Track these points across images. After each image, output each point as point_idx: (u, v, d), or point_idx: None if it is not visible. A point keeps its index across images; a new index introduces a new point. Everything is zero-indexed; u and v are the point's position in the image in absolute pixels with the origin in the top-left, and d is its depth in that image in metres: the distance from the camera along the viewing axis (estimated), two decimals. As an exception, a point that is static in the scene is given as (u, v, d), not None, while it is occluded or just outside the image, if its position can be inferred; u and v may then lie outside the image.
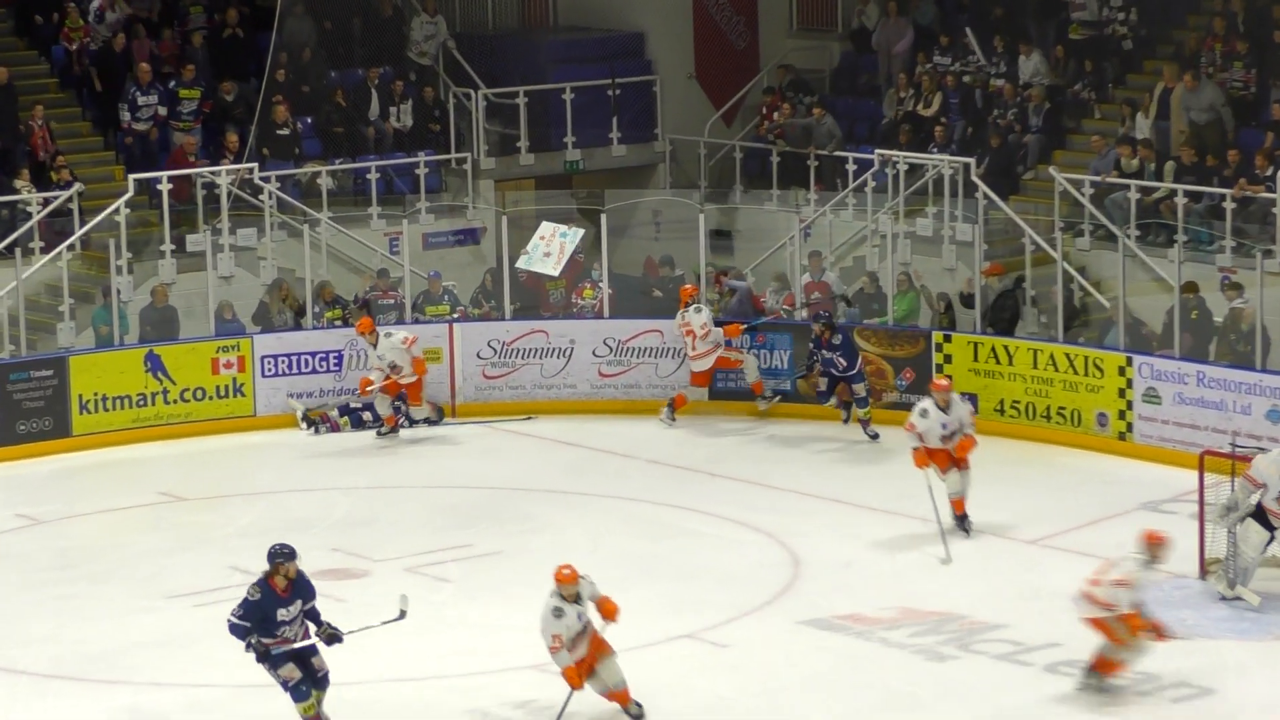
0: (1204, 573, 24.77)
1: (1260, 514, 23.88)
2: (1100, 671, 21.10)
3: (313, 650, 18.91)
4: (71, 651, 23.44)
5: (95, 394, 32.15)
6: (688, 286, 33.31)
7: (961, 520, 25.57)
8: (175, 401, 32.71)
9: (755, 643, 23.44)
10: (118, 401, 32.43)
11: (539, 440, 33.04)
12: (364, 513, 29.35)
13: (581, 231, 33.84)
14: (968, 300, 32.82)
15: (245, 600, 18.65)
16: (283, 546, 18.78)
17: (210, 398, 32.94)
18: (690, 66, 40.29)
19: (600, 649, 19.26)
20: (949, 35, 38.47)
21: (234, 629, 18.76)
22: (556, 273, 34.61)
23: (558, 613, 18.82)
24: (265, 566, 19.87)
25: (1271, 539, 23.99)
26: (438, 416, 33.65)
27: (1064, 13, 37.76)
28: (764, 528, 27.68)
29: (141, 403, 32.51)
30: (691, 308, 32.32)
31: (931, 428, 24.40)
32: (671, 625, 23.69)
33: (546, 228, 34.56)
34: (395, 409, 32.62)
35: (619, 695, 19.43)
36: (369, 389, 31.92)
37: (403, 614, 19.50)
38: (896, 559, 26.46)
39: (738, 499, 29.25)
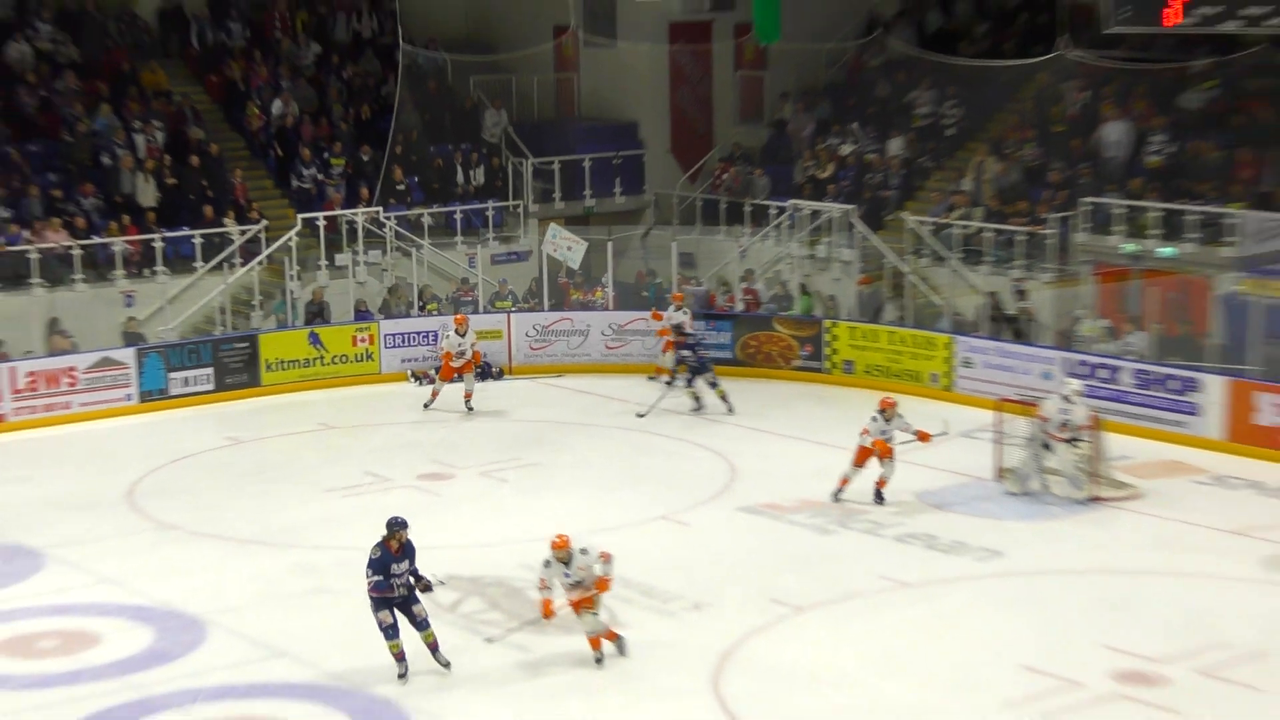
0: (999, 477, 25.18)
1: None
2: (878, 487, 24.09)
3: (414, 599, 17.92)
4: (262, 525, 23.94)
5: (276, 358, 32.53)
6: (678, 294, 33.19)
7: (878, 494, 24.22)
8: (328, 364, 33.00)
9: (706, 523, 24.10)
10: (290, 364, 32.79)
11: (566, 390, 33.03)
12: (452, 438, 29.23)
13: (584, 244, 34.22)
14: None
15: (371, 559, 17.75)
16: (398, 519, 17.93)
17: (350, 361, 33.24)
18: (667, 144, 39.97)
19: (587, 603, 18.01)
20: (839, 124, 38.42)
21: (372, 585, 17.71)
22: (576, 265, 34.71)
23: (546, 563, 17.89)
24: (387, 499, 20.64)
25: (1048, 451, 24.61)
26: (499, 375, 33.27)
27: (913, 109, 37.73)
28: (714, 448, 28.08)
29: (306, 364, 32.84)
30: (672, 308, 32.07)
31: (874, 431, 23.70)
32: (650, 510, 24.39)
33: (554, 229, 34.59)
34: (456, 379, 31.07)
35: (592, 640, 18.07)
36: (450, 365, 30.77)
37: (438, 584, 18.38)
38: (800, 467, 26.55)
39: (698, 430, 29.52)
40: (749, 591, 20.81)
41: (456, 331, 30.78)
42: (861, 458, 24.18)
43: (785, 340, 32.97)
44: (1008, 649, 18.67)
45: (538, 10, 39.02)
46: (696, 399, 30.73)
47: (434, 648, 17.95)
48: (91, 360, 30.74)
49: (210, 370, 31.94)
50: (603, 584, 17.92)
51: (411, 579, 17.73)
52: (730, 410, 30.48)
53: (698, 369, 30.39)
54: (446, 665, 18.00)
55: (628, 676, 18.27)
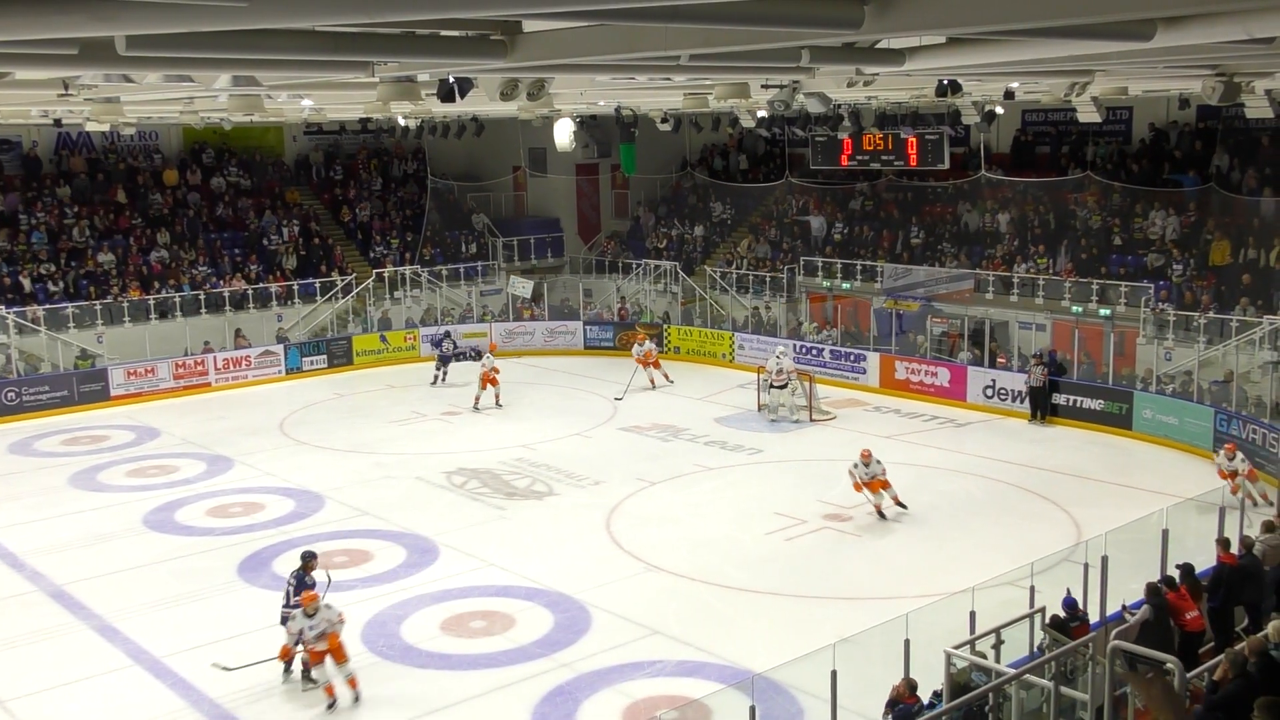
0: (760, 409, 25.11)
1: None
2: (879, 510, 18.00)
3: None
4: (355, 441, 23.51)
5: (361, 349, 31.67)
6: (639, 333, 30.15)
7: (882, 514, 18.11)
8: (390, 352, 32.14)
9: (601, 436, 23.74)
10: (369, 352, 31.74)
11: (523, 366, 31.85)
12: (460, 393, 27.88)
13: (532, 283, 34.13)
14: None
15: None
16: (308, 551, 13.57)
17: (403, 350, 32.18)
18: (575, 229, 39.70)
19: (332, 654, 12.45)
20: (668, 220, 38.75)
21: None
22: (528, 296, 33.95)
23: (291, 618, 12.59)
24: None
25: (779, 391, 24.82)
26: (479, 357, 32.47)
27: (710, 209, 38.14)
28: (604, 395, 27.27)
29: (378, 353, 31.96)
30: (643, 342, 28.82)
31: (861, 473, 17.79)
32: (570, 429, 23.93)
33: (514, 278, 34.49)
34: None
35: (328, 688, 12.31)
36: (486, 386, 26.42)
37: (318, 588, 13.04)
38: (652, 405, 26.36)
39: (599, 386, 28.43)
40: (624, 474, 20.80)
41: (490, 354, 27.51)
42: (865, 489, 18.29)
43: (642, 335, 32.46)
44: (765, 501, 18.95)
45: (504, 156, 38.59)
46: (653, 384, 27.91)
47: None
48: (258, 351, 30.21)
49: (324, 356, 31.37)
50: (334, 638, 12.53)
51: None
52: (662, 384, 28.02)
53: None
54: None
55: (550, 528, 18.15)
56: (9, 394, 26.44)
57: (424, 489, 20.14)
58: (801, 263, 32.18)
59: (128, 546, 17.54)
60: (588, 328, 33.19)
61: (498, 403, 26.26)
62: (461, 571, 16.11)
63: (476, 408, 25.95)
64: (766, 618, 14.33)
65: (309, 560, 13.47)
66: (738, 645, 13.29)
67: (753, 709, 9.25)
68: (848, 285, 30.97)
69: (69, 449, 23.71)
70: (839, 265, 31.40)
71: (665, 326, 32.53)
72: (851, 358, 28.09)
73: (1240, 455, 18.09)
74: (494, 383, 26.31)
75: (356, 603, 14.88)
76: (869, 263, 30.93)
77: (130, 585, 15.86)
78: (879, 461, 18.08)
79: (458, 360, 30.04)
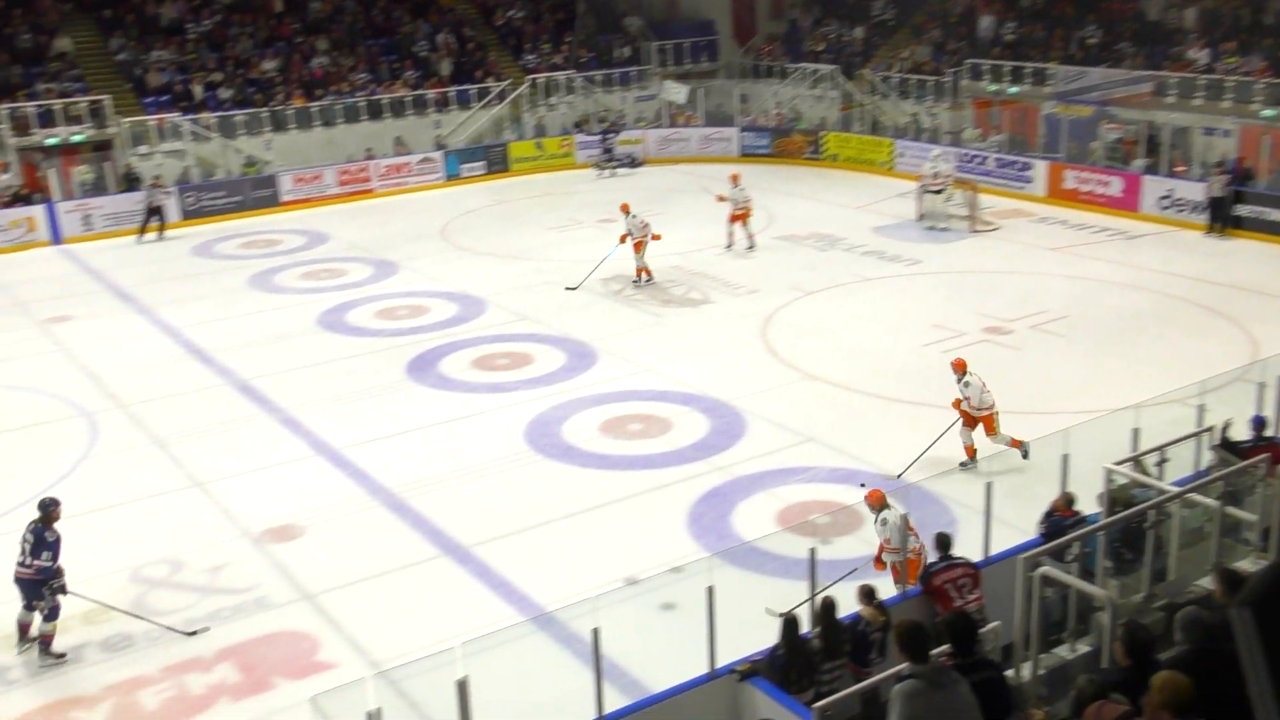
0: (919, 218, 24.51)
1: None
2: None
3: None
4: (513, 246, 23.59)
5: (518, 155, 31.83)
6: (735, 174, 23.01)
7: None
8: (546, 159, 32.00)
9: (763, 245, 23.26)
10: (525, 159, 31.76)
11: (676, 173, 31.27)
12: (613, 199, 28.69)
13: (686, 88, 33.46)
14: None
15: (50, 540, 9.98)
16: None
17: (558, 157, 32.23)
18: (731, 33, 38.62)
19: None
20: (827, 20, 37.31)
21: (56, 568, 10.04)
22: (682, 101, 33.26)
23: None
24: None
25: (940, 196, 24.06)
26: (637, 164, 31.99)
27: (869, 10, 36.59)
28: (758, 201, 27.24)
29: (534, 159, 31.93)
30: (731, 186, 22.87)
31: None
32: (724, 238, 23.56)
33: (668, 84, 33.73)
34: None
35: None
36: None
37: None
38: (806, 213, 25.82)
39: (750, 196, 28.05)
40: (780, 283, 20.72)
41: (734, 184, 22.78)
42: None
43: (799, 142, 32.04)
44: (923, 312, 18.72)
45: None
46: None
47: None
48: (418, 158, 30.60)
49: (483, 162, 31.67)
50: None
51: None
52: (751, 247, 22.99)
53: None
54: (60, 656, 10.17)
55: (706, 335, 18.26)
56: (189, 199, 27.59)
57: (581, 295, 20.32)
58: (967, 65, 30.77)
59: (304, 345, 18.37)
60: (743, 134, 32.56)
61: (750, 243, 22.57)
62: (619, 376, 16.42)
63: (730, 245, 22.71)
64: (921, 428, 14.28)
65: (50, 509, 10.22)
66: (891, 454, 13.32)
67: (905, 516, 9.35)
68: (1016, 89, 29.65)
69: (246, 252, 24.76)
70: (1007, 67, 29.95)
71: (822, 134, 31.70)
72: (1017, 166, 27.03)
73: None
74: (744, 219, 22.50)
75: (518, 404, 15.42)
76: (1039, 65, 29.43)
77: (308, 381, 16.69)
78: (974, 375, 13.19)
79: (618, 165, 30.10)
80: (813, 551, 8.47)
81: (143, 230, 25.90)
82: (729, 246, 22.68)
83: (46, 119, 27.24)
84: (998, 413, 12.91)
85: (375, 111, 31.35)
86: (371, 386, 16.37)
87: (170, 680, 9.77)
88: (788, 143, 32.08)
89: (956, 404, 12.96)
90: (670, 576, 10.26)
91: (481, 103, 32.83)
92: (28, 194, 26.27)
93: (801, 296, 19.88)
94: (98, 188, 27.06)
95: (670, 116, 34.03)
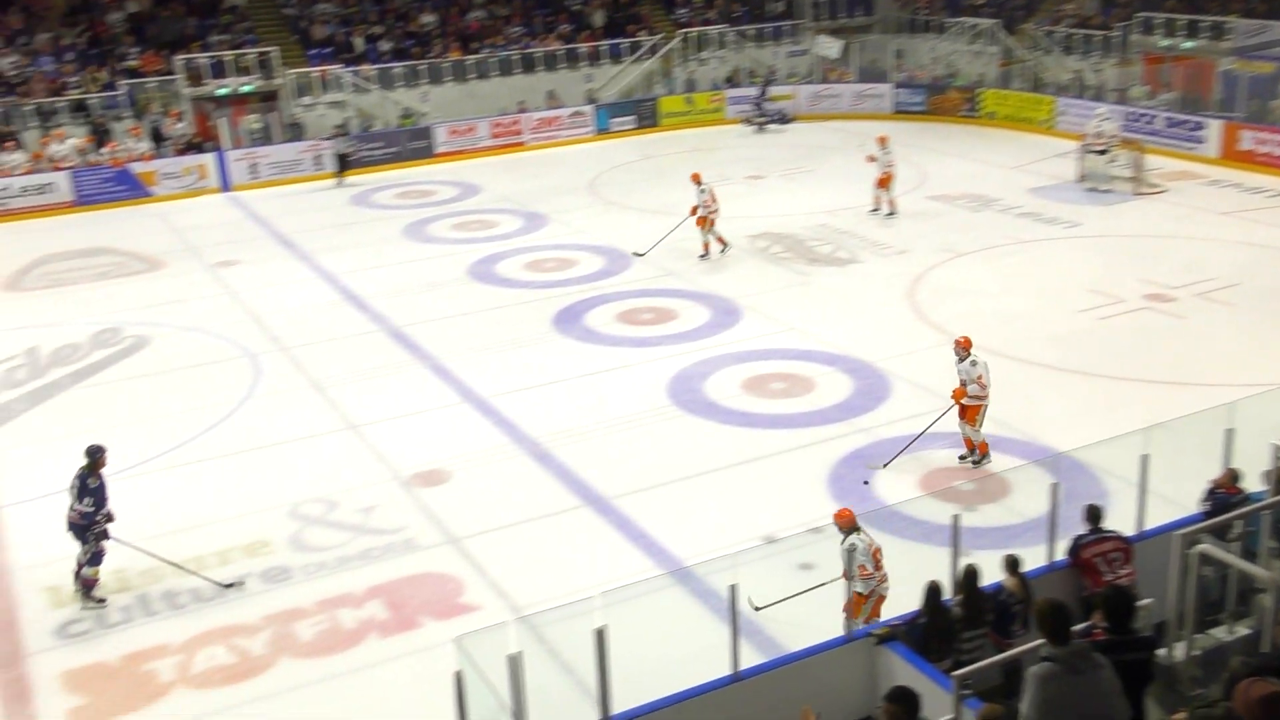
0: (1080, 179, 23.66)
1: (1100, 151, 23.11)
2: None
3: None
4: (659, 201, 23.27)
5: (667, 110, 31.66)
6: (883, 136, 21.80)
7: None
8: (695, 114, 32.04)
9: (903, 205, 22.58)
10: (675, 114, 31.64)
11: (827, 131, 30.73)
12: (760, 153, 28.02)
13: (840, 43, 32.82)
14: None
15: (93, 487, 10.20)
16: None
17: (708, 113, 32.04)
18: None
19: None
20: None
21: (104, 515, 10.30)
22: (836, 57, 32.83)
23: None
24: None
25: (1104, 157, 23.11)
26: (789, 120, 32.02)
27: None
28: (904, 157, 26.70)
29: (684, 114, 31.78)
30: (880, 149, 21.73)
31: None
32: (899, 192, 22.49)
33: (822, 38, 33.23)
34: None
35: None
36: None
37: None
38: (957, 171, 25.09)
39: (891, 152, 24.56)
40: (930, 244, 20.32)
41: (881, 147, 21.66)
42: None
43: (955, 100, 31.19)
44: (1080, 277, 18.21)
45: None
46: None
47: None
48: (569, 111, 30.79)
49: (633, 117, 31.63)
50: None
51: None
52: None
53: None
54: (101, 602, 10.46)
55: (853, 295, 18.01)
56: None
57: (728, 251, 20.21)
58: (1138, 19, 29.37)
59: (455, 294, 18.75)
60: (898, 91, 31.82)
61: (891, 209, 21.70)
62: (763, 334, 16.34)
63: (876, 209, 21.85)
64: (1073, 396, 13.88)
65: (96, 456, 10.41)
66: (1041, 422, 12.97)
67: (1055, 485, 9.04)
68: (1191, 44, 28.18)
69: (401, 202, 25.36)
70: (1182, 21, 28.49)
71: (979, 91, 30.74)
72: (1189, 125, 25.81)
73: None
74: (886, 183, 21.62)
75: (662, 359, 15.48)
76: (1218, 18, 27.88)
77: (458, 330, 17.06)
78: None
79: (768, 121, 29.73)
80: (956, 518, 8.31)
81: (340, 174, 26.87)
82: (874, 210, 22.07)
83: (218, 70, 28.22)
84: (986, 406, 12.03)
85: (528, 65, 31.61)
86: (519, 337, 16.61)
87: (324, 614, 10.19)
88: (943, 100, 31.22)
89: (959, 395, 11.94)
90: (809, 537, 10.24)
91: (633, 57, 32.74)
92: (200, 142, 27.33)
93: (952, 258, 19.43)
94: (264, 137, 27.99)
95: (823, 72, 33.44)
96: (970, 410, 12.06)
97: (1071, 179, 23.86)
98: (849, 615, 8.57)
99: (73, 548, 10.52)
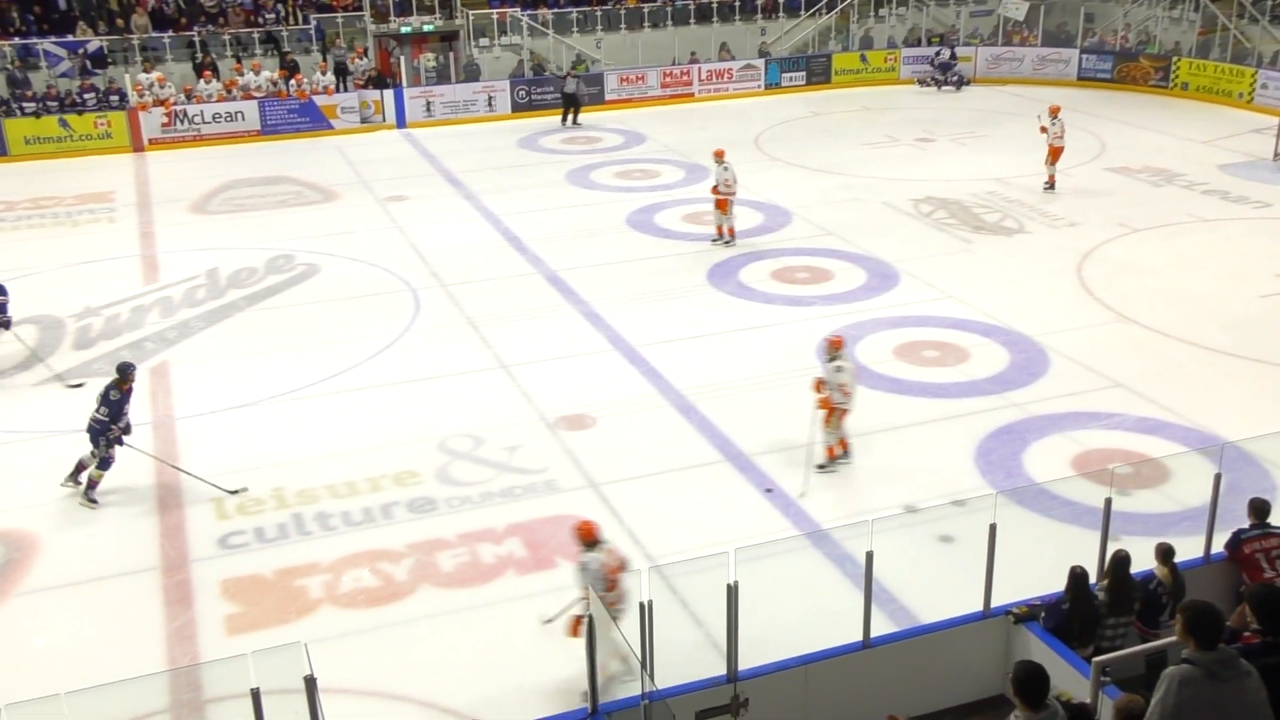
0: (1275, 158, 22.48)
1: None
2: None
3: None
4: (825, 161, 23.14)
5: (842, 68, 31.09)
6: (1056, 105, 20.93)
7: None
8: (869, 72, 31.27)
9: (1077, 180, 21.93)
10: (849, 71, 30.94)
11: (1006, 95, 29.91)
12: (934, 116, 27.25)
13: (1028, 4, 31.49)
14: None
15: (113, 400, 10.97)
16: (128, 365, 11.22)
17: (882, 71, 31.29)
18: None
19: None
20: None
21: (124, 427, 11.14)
22: (1021, 18, 31.44)
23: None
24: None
25: None
26: (967, 83, 31.07)
27: None
28: (1083, 126, 25.70)
29: (857, 73, 31.12)
30: (1050, 119, 20.84)
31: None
32: (1076, 162, 21.83)
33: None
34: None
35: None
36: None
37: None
38: (1143, 144, 24.15)
39: (1071, 119, 26.42)
40: (1104, 217, 19.54)
41: (1052, 117, 20.65)
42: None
43: (1146, 68, 29.71)
44: (1266, 261, 17.29)
45: None
46: None
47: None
48: (740, 64, 30.57)
49: (804, 73, 31.17)
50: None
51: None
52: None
53: None
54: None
55: (1017, 266, 17.45)
56: (519, 92, 28.69)
57: (889, 214, 19.81)
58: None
59: (612, 242, 18.87)
60: (1084, 56, 30.46)
61: (1050, 183, 20.75)
62: (920, 300, 15.98)
63: (1051, 187, 20.74)
64: (1246, 385, 13.18)
65: (125, 372, 11.13)
66: (1208, 410, 12.39)
67: (1218, 477, 8.64)
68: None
69: (566, 147, 25.58)
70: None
71: (1174, 59, 29.17)
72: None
73: None
74: (1054, 156, 20.64)
75: (814, 319, 15.28)
76: None
77: (612, 277, 17.16)
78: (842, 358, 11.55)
79: (943, 83, 28.92)
80: (1108, 502, 8.03)
81: (566, 114, 27.33)
82: (1048, 188, 20.92)
83: (403, 8, 28.83)
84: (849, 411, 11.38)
85: (703, 15, 31.38)
86: (672, 288, 16.63)
87: (465, 547, 10.46)
88: (1133, 68, 29.76)
89: (818, 385, 11.21)
90: (951, 509, 10.03)
91: (809, 11, 32.14)
92: (379, 78, 28.04)
93: (1126, 233, 18.61)
94: (441, 76, 28.52)
95: (1006, 34, 32.22)
96: (831, 414, 11.36)
97: (1267, 157, 22.54)
98: (571, 635, 8.14)
99: (240, 458, 11.66)
